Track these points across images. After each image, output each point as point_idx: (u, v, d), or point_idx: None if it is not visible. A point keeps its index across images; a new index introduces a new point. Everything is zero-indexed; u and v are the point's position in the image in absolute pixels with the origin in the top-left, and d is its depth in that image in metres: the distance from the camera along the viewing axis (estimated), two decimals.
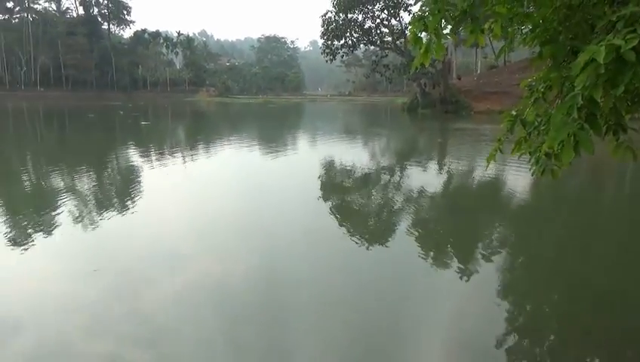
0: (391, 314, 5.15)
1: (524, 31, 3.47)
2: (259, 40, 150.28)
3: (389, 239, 7.76)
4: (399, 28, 47.07)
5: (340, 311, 5.22)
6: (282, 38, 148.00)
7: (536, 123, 3.29)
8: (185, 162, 16.17)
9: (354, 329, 4.85)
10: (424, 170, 14.99)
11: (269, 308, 5.22)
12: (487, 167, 5.87)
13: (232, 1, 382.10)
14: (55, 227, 8.05)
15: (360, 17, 45.97)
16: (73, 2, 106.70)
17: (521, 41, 3.44)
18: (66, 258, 6.79)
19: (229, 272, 6.24)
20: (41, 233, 7.75)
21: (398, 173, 14.78)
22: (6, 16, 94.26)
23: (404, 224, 8.51)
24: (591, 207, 10.66)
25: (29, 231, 7.92)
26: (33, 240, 7.32)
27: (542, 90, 3.30)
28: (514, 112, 3.53)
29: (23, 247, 7.04)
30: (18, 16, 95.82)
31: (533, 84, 3.48)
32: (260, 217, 8.99)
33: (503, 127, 3.63)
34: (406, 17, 46.56)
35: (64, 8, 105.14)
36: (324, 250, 7.18)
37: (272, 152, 19.19)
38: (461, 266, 6.51)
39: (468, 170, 15.00)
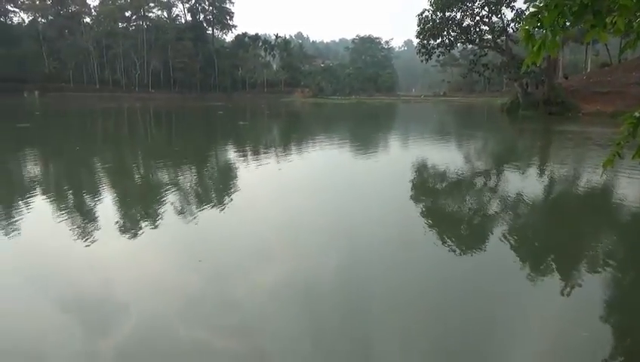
0: (480, 329, 4.92)
1: None
2: (353, 41, 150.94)
3: (482, 247, 7.41)
4: (500, 25, 44.82)
5: (424, 317, 5.11)
6: (377, 38, 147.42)
7: None
8: (279, 161, 16.69)
9: (437, 342, 4.70)
10: (523, 175, 14.15)
11: (353, 309, 5.22)
12: (603, 172, 5.40)
13: (329, 4, 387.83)
14: (161, 218, 8.69)
15: (458, 15, 44.40)
16: (182, 10, 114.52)
17: None
18: (173, 248, 7.32)
19: (317, 270, 6.33)
20: (149, 224, 8.41)
21: (495, 177, 14.11)
22: (124, 24, 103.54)
23: (498, 232, 8.04)
24: None
25: (141, 221, 8.63)
26: (144, 230, 7.98)
27: None
28: (637, 114, 3.21)
29: (136, 236, 7.70)
30: (135, 24, 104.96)
31: None
32: (349, 218, 9.02)
33: (622, 129, 3.31)
34: (508, 14, 44.35)
35: (174, 15, 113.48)
36: (412, 255, 7.03)
37: (363, 153, 19.22)
38: (562, 280, 6.06)
39: (573, 176, 13.92)
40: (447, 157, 17.87)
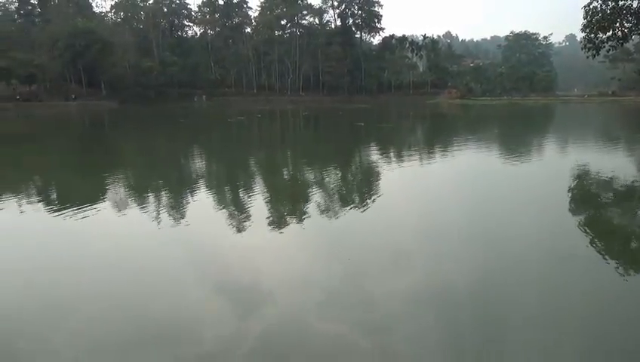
0: None
1: None
2: (506, 38, 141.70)
3: None
4: None
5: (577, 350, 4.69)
6: (534, 34, 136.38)
7: None
8: (422, 164, 16.54)
9: None
10: None
11: (489, 323, 5.01)
12: None
13: (479, 2, 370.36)
14: (307, 216, 9.24)
15: (635, 3, 39.03)
16: (332, 15, 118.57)
17: None
18: (323, 244, 7.79)
19: (452, 278, 6.16)
20: (295, 219, 9.02)
21: None
22: (280, 32, 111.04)
23: None
24: None
25: (288, 216, 9.32)
26: (297, 225, 8.61)
27: None
28: None
29: (285, 230, 8.34)
30: (289, 31, 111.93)
31: None
32: (496, 225, 8.63)
33: None
34: None
35: (325, 21, 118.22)
36: (569, 272, 6.42)
37: (512, 158, 18.04)
38: None
39: None
40: (615, 164, 15.93)
